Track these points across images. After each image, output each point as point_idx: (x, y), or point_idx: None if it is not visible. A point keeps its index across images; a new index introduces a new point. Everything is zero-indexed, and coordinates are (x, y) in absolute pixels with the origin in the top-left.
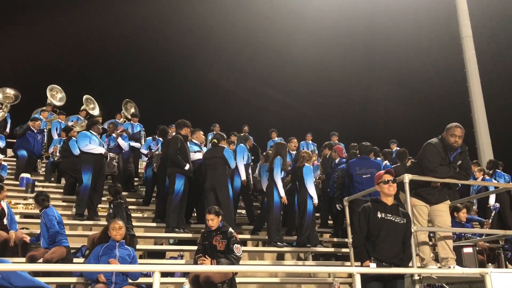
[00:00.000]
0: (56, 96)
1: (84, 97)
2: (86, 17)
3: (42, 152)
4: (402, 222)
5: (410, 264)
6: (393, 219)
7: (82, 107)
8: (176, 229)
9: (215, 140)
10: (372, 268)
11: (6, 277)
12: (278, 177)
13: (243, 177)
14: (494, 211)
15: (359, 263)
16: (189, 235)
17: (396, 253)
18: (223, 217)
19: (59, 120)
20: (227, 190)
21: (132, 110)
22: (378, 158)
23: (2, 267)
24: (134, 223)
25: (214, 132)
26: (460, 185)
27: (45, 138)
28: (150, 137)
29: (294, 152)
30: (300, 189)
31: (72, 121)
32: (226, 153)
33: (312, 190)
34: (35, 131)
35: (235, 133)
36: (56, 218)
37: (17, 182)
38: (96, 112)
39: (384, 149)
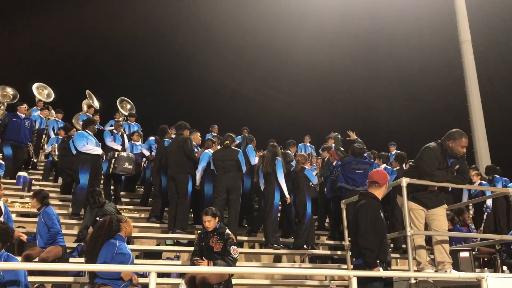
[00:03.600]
0: (43, 93)
1: (87, 92)
2: (88, 14)
3: (33, 138)
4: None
5: (407, 268)
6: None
7: (86, 103)
8: (180, 231)
9: (228, 142)
10: (368, 271)
11: (3, 274)
12: (282, 178)
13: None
14: (486, 212)
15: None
16: (186, 236)
17: (390, 254)
18: (219, 218)
19: (56, 119)
20: (240, 194)
21: (128, 107)
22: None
23: (4, 265)
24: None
25: (213, 134)
26: (451, 188)
27: (45, 136)
28: (153, 137)
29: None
30: (299, 192)
31: (82, 120)
32: (240, 156)
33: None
34: (22, 116)
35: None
36: (56, 217)
37: (14, 181)
38: (96, 104)
39: (380, 152)
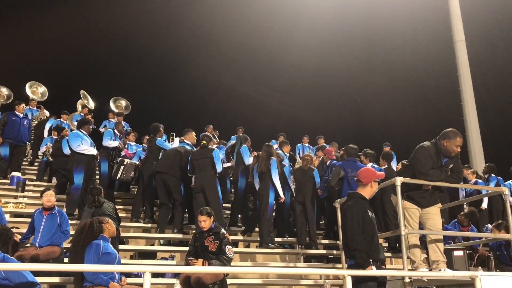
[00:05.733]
0: (37, 91)
1: (81, 92)
2: (85, 14)
3: (31, 137)
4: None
5: (401, 267)
6: (374, 216)
7: (80, 103)
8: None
9: (205, 142)
10: (362, 271)
11: (7, 276)
12: (277, 178)
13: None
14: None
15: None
16: (181, 236)
17: (383, 252)
18: (214, 218)
19: (62, 120)
20: (216, 191)
21: (124, 104)
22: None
23: (4, 266)
24: (125, 223)
25: (207, 133)
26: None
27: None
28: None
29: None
30: (307, 190)
31: (76, 120)
32: (215, 154)
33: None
34: (21, 115)
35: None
36: None
37: (8, 181)
38: (91, 104)
39: (366, 151)
